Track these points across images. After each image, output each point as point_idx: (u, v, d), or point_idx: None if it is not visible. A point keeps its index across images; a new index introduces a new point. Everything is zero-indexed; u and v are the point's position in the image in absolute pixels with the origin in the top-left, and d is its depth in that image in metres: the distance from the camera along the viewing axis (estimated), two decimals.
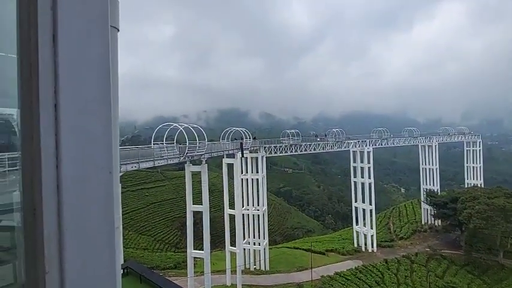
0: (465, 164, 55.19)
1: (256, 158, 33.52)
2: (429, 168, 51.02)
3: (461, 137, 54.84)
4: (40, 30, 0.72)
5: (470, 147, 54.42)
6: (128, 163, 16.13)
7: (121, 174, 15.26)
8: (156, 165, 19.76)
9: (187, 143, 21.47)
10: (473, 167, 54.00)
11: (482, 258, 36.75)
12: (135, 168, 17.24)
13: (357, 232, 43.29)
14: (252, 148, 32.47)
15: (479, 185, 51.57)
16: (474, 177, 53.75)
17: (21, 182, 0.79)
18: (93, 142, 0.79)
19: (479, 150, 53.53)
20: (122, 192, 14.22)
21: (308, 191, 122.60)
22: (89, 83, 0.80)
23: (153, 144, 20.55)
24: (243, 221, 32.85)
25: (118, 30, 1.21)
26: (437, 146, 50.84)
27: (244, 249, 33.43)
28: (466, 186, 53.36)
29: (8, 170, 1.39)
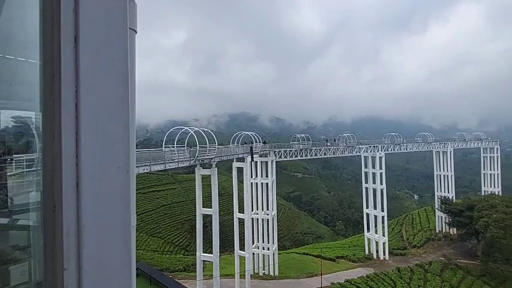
0: (482, 171, 53.27)
1: (266, 162, 33.46)
2: (444, 175, 49.48)
3: (478, 143, 53.05)
4: (63, 32, 0.74)
5: (487, 153, 52.53)
6: (140, 165, 16.45)
7: None
8: (167, 168, 19.97)
9: (197, 147, 21.69)
10: (490, 174, 52.03)
11: (499, 269, 35.17)
12: (147, 171, 17.53)
13: (369, 239, 42.31)
14: (262, 152, 32.45)
15: (496, 193, 49.56)
16: (491, 184, 51.73)
17: (41, 181, 0.82)
18: (112, 142, 0.81)
19: (497, 156, 51.59)
20: None
21: (318, 196, 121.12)
22: (108, 85, 0.82)
23: (164, 147, 20.76)
24: (252, 225, 32.73)
25: (136, 32, 1.24)
26: (452, 152, 49.31)
27: (254, 253, 33.25)
28: (482, 193, 51.37)
29: (27, 171, 1.43)
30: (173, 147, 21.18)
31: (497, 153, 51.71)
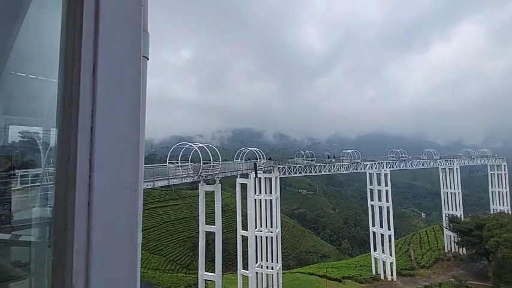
0: (490, 189, 52.15)
1: (270, 179, 33.26)
2: (451, 193, 48.52)
3: (485, 160, 52.35)
4: (83, 62, 0.81)
5: (494, 170, 51.71)
6: (144, 181, 16.49)
7: None
8: (170, 183, 19.94)
9: (201, 162, 21.72)
10: (498, 191, 50.85)
11: None
12: (151, 187, 17.50)
13: (375, 259, 40.98)
14: (266, 168, 32.34)
15: (506, 211, 48.17)
16: (500, 202, 50.42)
17: (54, 198, 0.87)
18: (122, 162, 0.86)
19: (505, 174, 50.63)
20: None
21: (323, 214, 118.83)
22: (122, 109, 0.87)
23: (169, 163, 20.81)
24: (256, 243, 32.05)
25: (148, 59, 1.33)
26: (458, 169, 48.63)
27: (257, 272, 32.32)
28: (491, 212, 50.00)
29: (35, 187, 1.44)
30: (177, 162, 21.25)
31: (504, 170, 50.83)
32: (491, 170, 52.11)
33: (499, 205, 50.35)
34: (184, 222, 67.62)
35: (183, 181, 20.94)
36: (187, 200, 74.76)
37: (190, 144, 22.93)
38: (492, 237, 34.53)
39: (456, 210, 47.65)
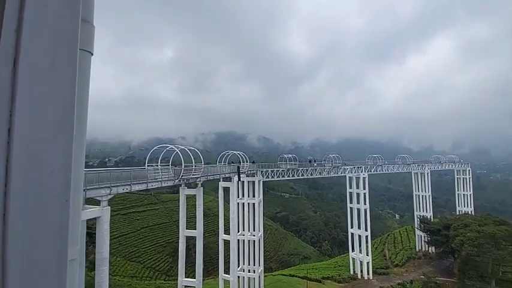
0: (456, 192, 55.97)
1: (253, 182, 33.58)
2: (422, 195, 51.58)
3: (452, 165, 56.13)
4: (1, 52, 0.72)
5: (460, 175, 55.58)
6: (119, 185, 15.75)
7: (111, 196, 14.85)
8: (149, 187, 19.12)
9: (182, 165, 21.30)
10: (463, 194, 54.76)
11: (474, 286, 36.26)
12: (127, 191, 16.78)
13: (353, 259, 42.57)
14: (249, 172, 32.68)
15: (470, 213, 52.04)
16: (465, 204, 54.34)
17: None
18: (50, 170, 0.78)
19: (469, 178, 54.66)
20: (111, 216, 13.71)
21: (305, 217, 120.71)
22: (50, 109, 0.78)
23: (147, 165, 19.79)
24: (238, 247, 32.22)
25: (92, 54, 1.28)
26: (429, 174, 51.80)
27: (239, 276, 32.47)
28: (457, 213, 53.68)
29: None
30: (157, 165, 20.74)
31: (469, 175, 54.81)
32: (457, 175, 55.94)
33: (464, 207, 54.19)
34: (163, 227, 66.07)
35: (163, 185, 20.43)
36: (168, 204, 73.19)
37: (171, 146, 22.44)
38: (457, 237, 37.02)
39: (426, 212, 50.67)
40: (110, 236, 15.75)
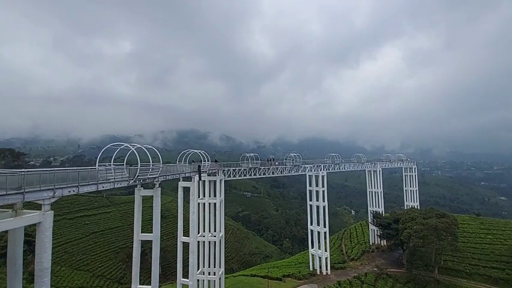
0: (404, 188, 61.33)
1: (215, 182, 32.58)
2: (375, 192, 55.38)
3: (400, 163, 61.32)
4: None
5: (407, 172, 61.07)
6: (65, 187, 14.04)
7: (54, 200, 13.23)
8: (100, 189, 17.57)
9: (139, 165, 19.89)
10: (410, 190, 60.31)
11: (421, 275, 39.75)
12: (74, 193, 15.07)
13: (313, 255, 43.84)
14: (211, 171, 31.56)
15: (416, 207, 57.37)
16: (412, 199, 59.86)
17: None
18: None
19: (415, 175, 60.35)
20: (55, 221, 11.79)
21: (267, 215, 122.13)
22: None
23: (98, 165, 18.06)
24: (198, 249, 30.86)
25: None
26: (381, 171, 55.76)
27: (198, 280, 31.13)
28: (405, 207, 58.80)
29: None
30: (109, 165, 18.88)
31: (415, 172, 60.44)
32: (405, 172, 61.34)
33: (411, 201, 59.69)
34: (116, 232, 61.22)
35: (116, 186, 18.73)
36: (122, 207, 68.08)
37: (126, 144, 20.69)
38: (405, 230, 40.18)
39: (379, 207, 54.56)
40: (54, 244, 13.75)
